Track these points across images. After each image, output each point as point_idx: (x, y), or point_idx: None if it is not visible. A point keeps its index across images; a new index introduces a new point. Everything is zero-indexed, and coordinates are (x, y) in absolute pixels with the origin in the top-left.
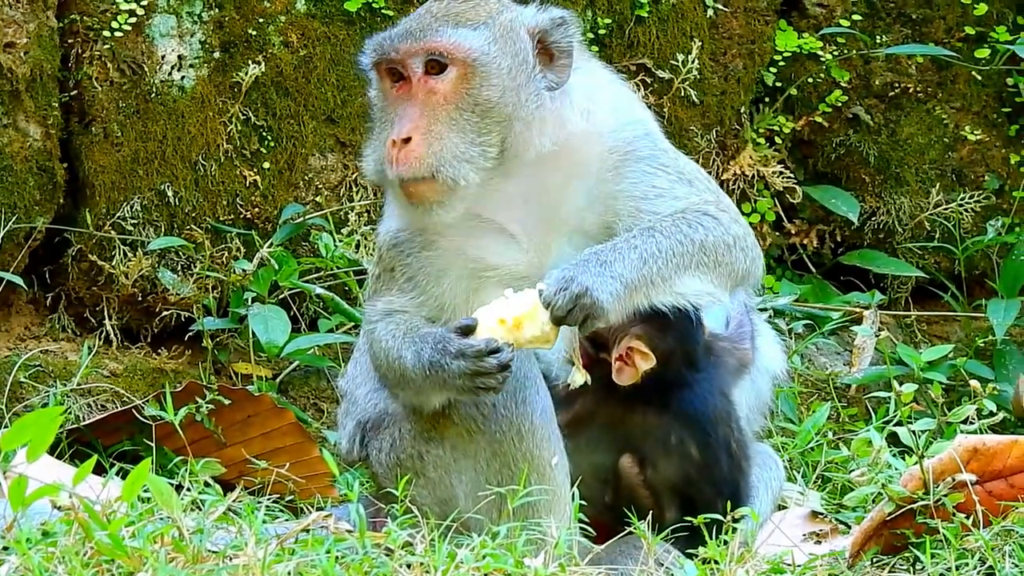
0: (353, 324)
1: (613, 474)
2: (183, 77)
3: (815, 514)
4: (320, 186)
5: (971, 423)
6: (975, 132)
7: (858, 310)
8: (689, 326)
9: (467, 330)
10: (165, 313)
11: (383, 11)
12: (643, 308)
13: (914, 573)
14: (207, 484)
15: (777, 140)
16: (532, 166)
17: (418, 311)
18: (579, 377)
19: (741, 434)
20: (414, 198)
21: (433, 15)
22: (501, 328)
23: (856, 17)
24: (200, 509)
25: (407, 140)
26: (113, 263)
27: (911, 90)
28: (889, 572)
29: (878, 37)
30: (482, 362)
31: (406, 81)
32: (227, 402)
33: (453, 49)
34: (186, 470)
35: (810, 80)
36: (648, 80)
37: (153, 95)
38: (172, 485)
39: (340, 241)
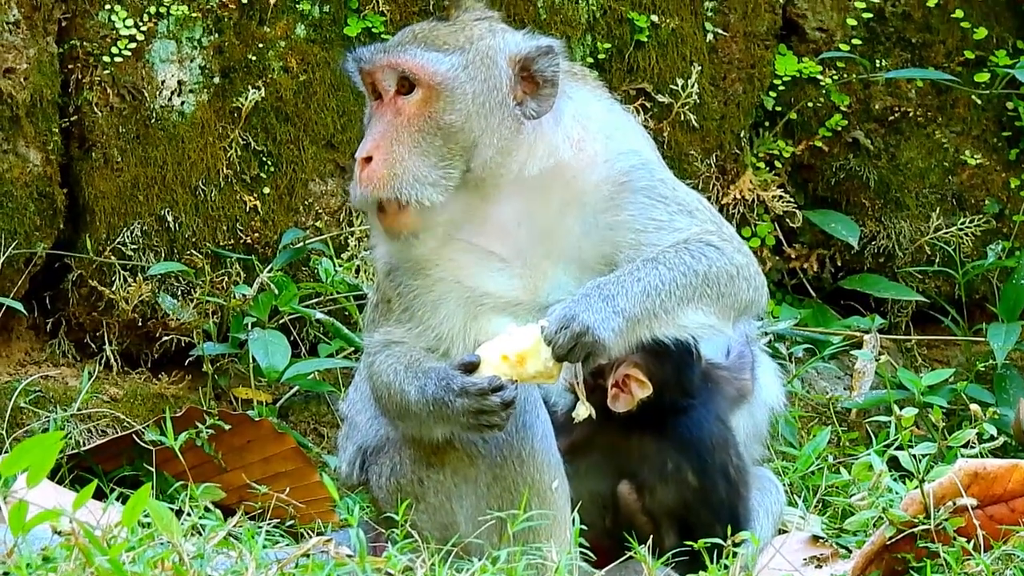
0: (353, 349)
1: (612, 500)
2: (183, 102)
3: (816, 538)
4: (320, 211)
5: (972, 447)
6: (975, 156)
7: (858, 334)
8: (686, 355)
9: (471, 367)
10: (165, 338)
11: (382, 36)
12: (645, 341)
13: None
14: (207, 509)
15: (777, 164)
16: (521, 191)
17: (417, 342)
18: (583, 410)
19: (739, 460)
20: (389, 229)
21: (413, 34)
22: (504, 364)
23: (856, 41)
24: (200, 534)
25: (369, 159)
26: (113, 288)
27: (911, 114)
28: None
29: (878, 61)
30: (486, 400)
31: (382, 99)
32: (227, 427)
33: (418, 70)
34: (186, 495)
35: (810, 104)
36: (648, 105)
37: (153, 120)
38: (172, 510)
39: (340, 266)
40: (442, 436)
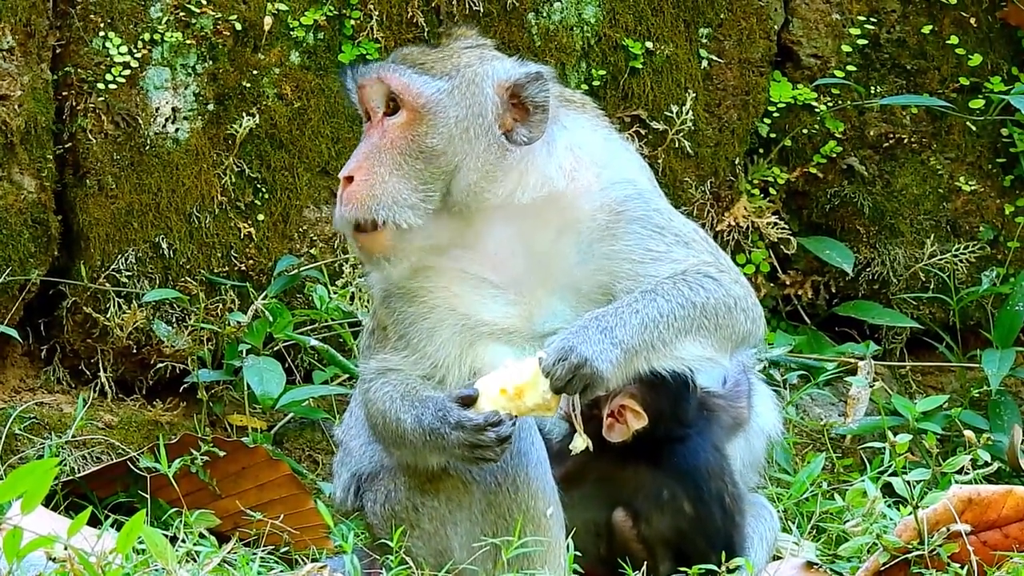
0: (348, 376)
1: (606, 528)
2: (177, 129)
3: (810, 564)
4: (315, 238)
5: (966, 473)
6: (970, 183)
7: (853, 361)
8: (682, 386)
9: (468, 400)
10: (160, 365)
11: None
12: (643, 372)
13: None
14: (202, 536)
15: (772, 191)
16: (513, 219)
17: (412, 369)
18: (581, 442)
19: (735, 488)
20: (364, 251)
21: (403, 55)
22: (503, 397)
23: (850, 68)
24: (195, 561)
25: (351, 179)
26: (108, 315)
27: (905, 141)
28: None
29: (872, 88)
30: (481, 435)
31: (371, 119)
32: (222, 454)
33: (403, 91)
34: (181, 522)
35: (804, 131)
36: (642, 131)
37: (147, 147)
38: (167, 537)
39: (335, 293)
40: (437, 465)
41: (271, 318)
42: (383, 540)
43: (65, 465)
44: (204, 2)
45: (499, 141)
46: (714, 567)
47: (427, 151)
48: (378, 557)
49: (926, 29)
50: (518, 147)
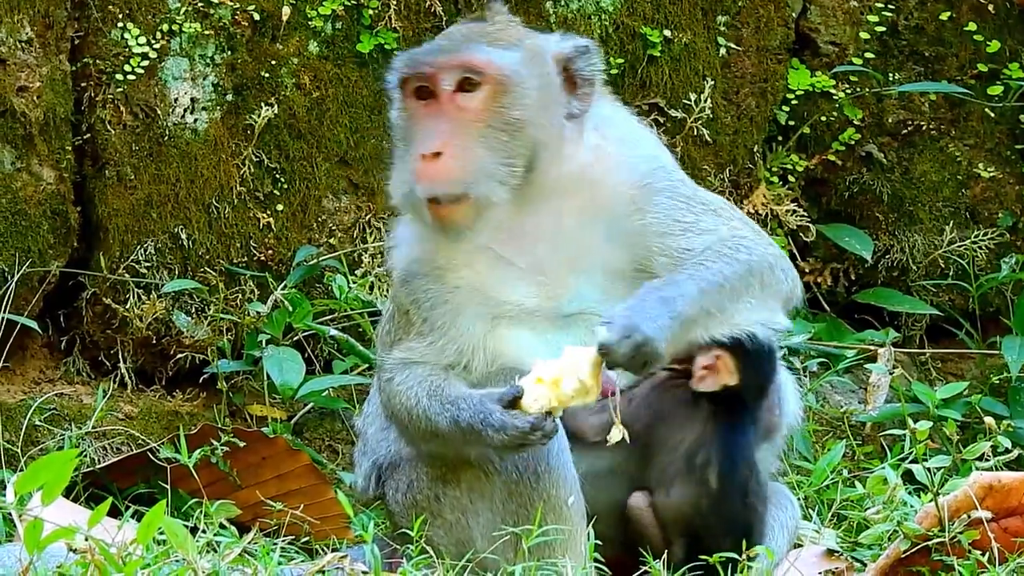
0: (368, 365)
1: (623, 511)
2: (196, 120)
3: (831, 552)
4: (334, 228)
5: (986, 460)
6: (988, 169)
7: (872, 348)
8: (769, 362)
9: (512, 401)
10: (179, 356)
11: (395, 52)
12: (703, 341)
13: None
14: (222, 526)
15: (790, 179)
16: (543, 200)
17: (438, 358)
18: (617, 434)
19: (759, 485)
20: (443, 221)
21: (464, 34)
22: (541, 386)
23: (869, 55)
24: (215, 551)
25: (437, 155)
26: (127, 306)
27: (924, 128)
28: None
29: (891, 75)
30: (528, 436)
31: (435, 98)
32: (242, 444)
33: (486, 66)
34: (201, 512)
35: (823, 118)
36: (661, 120)
37: (166, 138)
38: (187, 527)
39: (354, 283)
40: (475, 455)
41: (290, 308)
42: (404, 529)
43: (85, 456)
44: None
45: (562, 113)
46: (735, 555)
47: (512, 122)
48: (399, 546)
49: (944, 16)
50: (569, 121)
